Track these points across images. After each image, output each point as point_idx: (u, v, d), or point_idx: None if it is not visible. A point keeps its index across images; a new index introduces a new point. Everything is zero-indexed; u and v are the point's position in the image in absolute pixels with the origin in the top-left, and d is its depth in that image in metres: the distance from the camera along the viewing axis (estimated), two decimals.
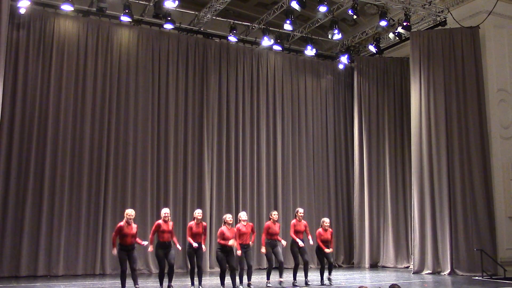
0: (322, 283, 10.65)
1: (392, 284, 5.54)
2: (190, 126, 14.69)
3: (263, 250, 10.17)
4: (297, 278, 10.58)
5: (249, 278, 9.85)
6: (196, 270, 9.63)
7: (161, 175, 14.12)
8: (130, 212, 9.26)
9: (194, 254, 9.58)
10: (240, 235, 9.76)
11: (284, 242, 10.57)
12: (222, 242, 9.49)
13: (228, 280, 9.66)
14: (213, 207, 14.55)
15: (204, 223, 9.83)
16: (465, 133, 13.68)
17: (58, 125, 13.07)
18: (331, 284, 10.59)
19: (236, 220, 10.21)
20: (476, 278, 12.32)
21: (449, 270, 13.14)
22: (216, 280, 9.91)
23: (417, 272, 13.62)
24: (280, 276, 10.35)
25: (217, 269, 13.61)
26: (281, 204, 15.52)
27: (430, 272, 13.43)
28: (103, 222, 13.17)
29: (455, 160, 13.62)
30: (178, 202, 14.15)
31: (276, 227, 10.34)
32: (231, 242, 9.47)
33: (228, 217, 9.79)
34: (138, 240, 9.32)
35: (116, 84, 13.97)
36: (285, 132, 16.16)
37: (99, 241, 13.03)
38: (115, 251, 9.10)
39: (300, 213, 10.73)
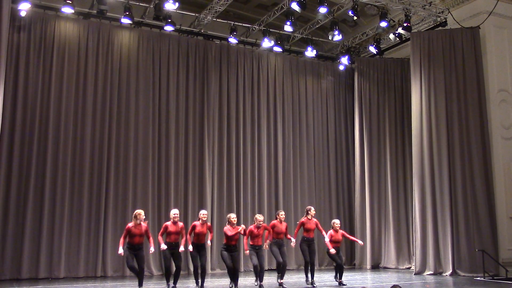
0: (335, 278, 10.85)
1: (394, 285, 5.54)
2: (191, 127, 14.70)
3: (265, 246, 10.12)
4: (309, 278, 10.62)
5: (261, 280, 9.84)
6: (199, 271, 9.64)
7: (162, 177, 14.12)
8: (140, 211, 9.32)
9: (197, 255, 9.60)
10: (252, 237, 9.78)
11: (293, 241, 10.44)
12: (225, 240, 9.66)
13: (241, 282, 9.70)
14: (214, 208, 14.55)
15: (208, 224, 9.89)
16: (466, 133, 13.67)
17: (59, 127, 13.08)
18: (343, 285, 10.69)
19: (239, 220, 10.19)
20: (478, 278, 12.30)
21: (450, 271, 13.13)
22: (218, 282, 9.92)
23: (419, 273, 13.61)
24: (281, 278, 10.27)
25: (218, 271, 13.74)
26: (282, 205, 15.49)
27: (432, 272, 13.42)
28: (104, 224, 13.16)
29: (456, 160, 13.61)
30: (179, 203, 14.14)
31: (283, 227, 10.29)
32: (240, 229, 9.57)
33: (233, 216, 9.83)
34: (150, 247, 9.38)
35: (116, 86, 13.98)
36: (286, 133, 16.17)
37: (100, 243, 13.02)
38: (120, 250, 9.10)
39: (312, 211, 10.72)
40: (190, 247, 9.69)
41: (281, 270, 10.26)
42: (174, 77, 14.73)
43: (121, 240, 9.20)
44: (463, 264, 13.10)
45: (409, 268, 15.08)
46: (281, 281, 10.23)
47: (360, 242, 11.58)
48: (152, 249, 9.38)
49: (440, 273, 13.34)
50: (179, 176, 14.32)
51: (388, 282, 11.62)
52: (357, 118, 16.61)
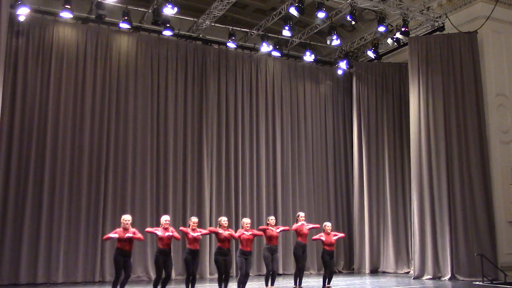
0: None
1: None
2: (189, 132, 14.70)
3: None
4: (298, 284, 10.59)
5: (243, 286, 9.73)
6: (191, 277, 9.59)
7: (160, 181, 14.10)
8: (126, 217, 9.21)
9: (191, 261, 9.52)
10: (241, 241, 9.71)
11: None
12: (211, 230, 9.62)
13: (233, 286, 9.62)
14: (213, 213, 14.52)
15: (199, 230, 9.74)
16: (464, 138, 13.68)
17: (57, 132, 13.06)
18: None
19: (235, 224, 10.08)
20: (477, 283, 12.29)
21: (449, 275, 13.11)
22: (216, 286, 9.85)
23: (418, 277, 13.59)
24: (272, 284, 10.22)
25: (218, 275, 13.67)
26: (281, 210, 15.50)
27: (431, 277, 13.41)
28: (102, 229, 13.11)
29: (454, 165, 13.62)
30: (177, 208, 14.13)
31: (274, 232, 10.27)
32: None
33: (223, 220, 9.75)
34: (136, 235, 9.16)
35: (115, 91, 13.98)
36: (284, 138, 16.17)
37: (98, 248, 12.98)
38: (112, 235, 8.96)
39: (302, 216, 10.73)
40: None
41: (272, 277, 10.20)
42: (173, 81, 14.74)
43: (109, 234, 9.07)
44: (462, 269, 13.08)
45: (408, 272, 15.06)
46: (272, 287, 10.22)
47: (342, 234, 11.42)
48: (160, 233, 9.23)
49: (439, 278, 13.32)
50: (177, 181, 14.30)
51: (387, 287, 11.61)
52: (355, 122, 16.63)
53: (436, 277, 13.37)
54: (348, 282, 12.74)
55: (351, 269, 16.15)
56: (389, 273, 15.32)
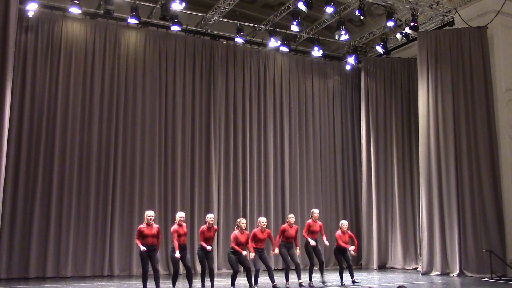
0: (341, 284, 10.73)
1: (400, 286, 5.54)
2: (197, 128, 14.71)
3: (276, 251, 10.12)
4: (313, 279, 10.61)
5: (272, 280, 9.87)
6: (207, 271, 9.67)
7: (168, 177, 14.13)
8: (149, 213, 9.36)
9: (205, 257, 9.66)
10: (256, 240, 9.81)
11: (298, 251, 10.50)
12: (236, 248, 9.55)
13: (239, 281, 9.64)
14: (221, 210, 14.54)
15: (215, 227, 9.91)
16: (473, 133, 13.61)
17: (66, 127, 13.13)
18: (357, 284, 10.74)
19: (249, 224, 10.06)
20: (485, 279, 12.25)
21: (457, 271, 13.08)
22: (224, 282, 9.92)
23: (426, 273, 13.56)
24: (299, 278, 10.35)
25: (225, 271, 13.75)
26: (289, 206, 15.49)
27: (439, 273, 13.37)
28: (111, 224, 13.20)
29: (463, 160, 13.56)
30: (185, 205, 14.14)
31: (293, 231, 10.32)
32: (244, 253, 9.57)
33: (243, 221, 9.80)
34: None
35: (123, 87, 14.02)
36: (292, 133, 16.15)
37: (107, 242, 13.06)
38: (141, 247, 9.09)
39: (316, 213, 10.79)
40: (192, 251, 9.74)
41: (297, 271, 10.32)
42: (181, 77, 14.75)
43: (136, 241, 9.21)
44: (470, 265, 13.05)
45: (416, 268, 15.04)
46: (300, 281, 10.30)
47: (352, 248, 10.74)
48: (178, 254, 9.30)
49: (447, 274, 13.29)
50: (185, 176, 14.33)
51: (395, 283, 11.59)
52: (364, 117, 16.58)
53: (445, 273, 13.34)
54: (355, 278, 12.72)
55: (358, 265, 16.11)
56: (397, 269, 15.30)
